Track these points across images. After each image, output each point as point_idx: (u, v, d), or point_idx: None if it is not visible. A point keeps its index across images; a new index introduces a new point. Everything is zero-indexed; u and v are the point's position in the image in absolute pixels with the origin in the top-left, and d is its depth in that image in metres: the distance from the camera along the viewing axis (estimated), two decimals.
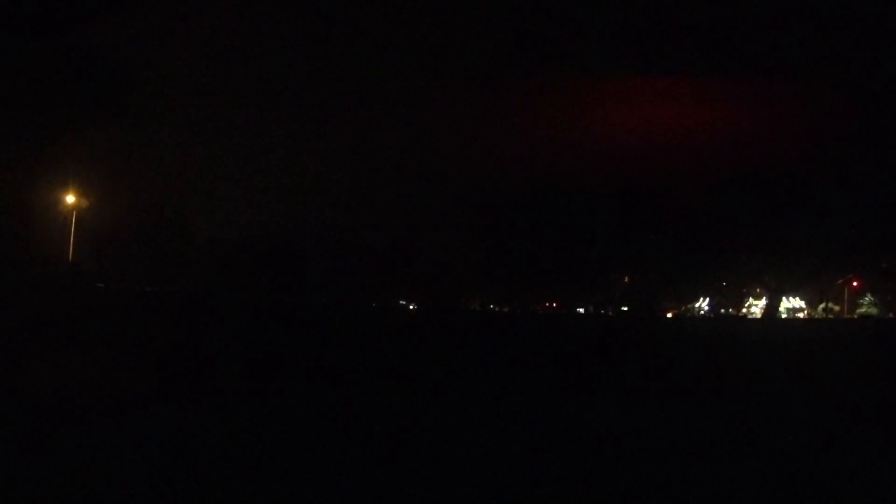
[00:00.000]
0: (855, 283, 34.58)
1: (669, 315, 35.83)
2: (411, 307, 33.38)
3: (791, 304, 35.95)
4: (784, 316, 35.61)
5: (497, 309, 35.77)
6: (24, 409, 8.59)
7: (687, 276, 34.72)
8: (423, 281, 32.55)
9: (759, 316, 35.70)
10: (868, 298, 34.61)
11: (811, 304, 35.83)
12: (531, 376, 13.47)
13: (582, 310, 36.26)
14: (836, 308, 35.35)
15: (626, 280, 36.15)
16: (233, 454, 7.05)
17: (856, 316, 33.98)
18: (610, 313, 35.30)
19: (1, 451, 6.80)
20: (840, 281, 34.68)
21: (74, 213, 28.17)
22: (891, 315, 34.04)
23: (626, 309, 35.51)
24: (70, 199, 27.95)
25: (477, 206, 30.96)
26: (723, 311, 36.30)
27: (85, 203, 28.44)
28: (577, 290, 35.85)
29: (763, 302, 36.24)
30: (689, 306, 36.73)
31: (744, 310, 36.47)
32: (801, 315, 35.78)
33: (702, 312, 36.34)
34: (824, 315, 35.11)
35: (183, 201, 31.92)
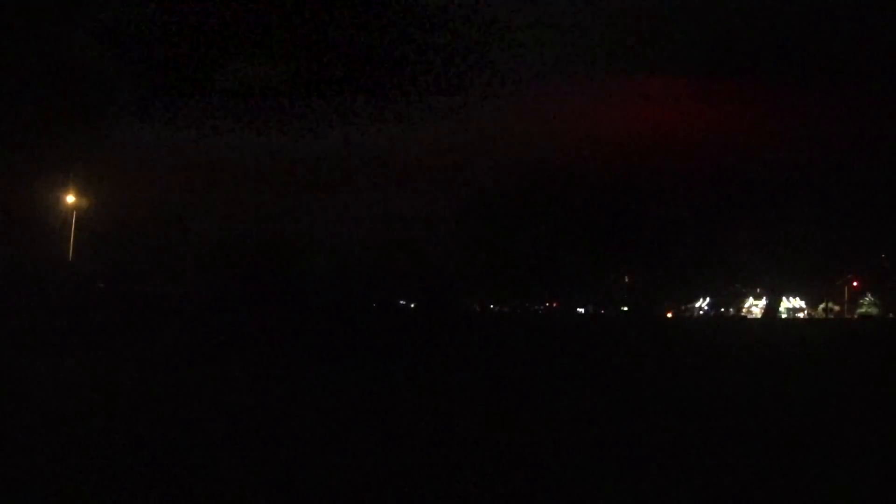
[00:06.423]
0: (855, 283, 34.57)
1: (669, 315, 35.82)
2: (411, 307, 33.39)
3: (791, 304, 35.94)
4: (784, 316, 35.61)
5: (497, 309, 35.74)
6: (24, 409, 8.59)
7: (687, 277, 34.70)
8: (423, 281, 32.52)
9: (759, 316, 35.70)
10: (868, 298, 34.59)
11: (811, 304, 35.82)
12: (531, 376, 13.47)
13: (582, 310, 36.23)
14: (836, 308, 35.34)
15: (626, 280, 36.14)
16: (233, 453, 7.05)
17: (856, 316, 33.97)
18: (610, 313, 35.28)
19: (1, 451, 6.80)
20: (840, 281, 34.69)
21: (74, 213, 28.17)
22: (891, 315, 34.02)
23: (626, 309, 35.49)
24: (70, 199, 27.96)
25: (477, 206, 30.96)
26: (723, 310, 36.30)
27: (85, 203, 28.46)
28: (577, 290, 35.82)
29: (763, 302, 36.24)
30: (689, 306, 36.71)
31: (744, 310, 36.46)
32: (801, 315, 35.77)
33: (701, 312, 36.33)
34: (824, 315, 35.10)
35: (183, 201, 31.90)
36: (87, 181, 28.23)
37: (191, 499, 5.85)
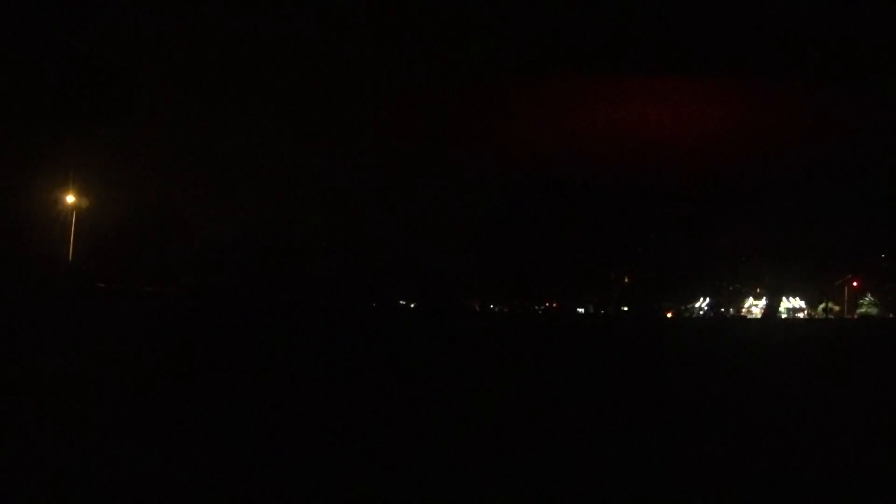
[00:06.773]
0: (855, 283, 34.61)
1: (669, 315, 35.88)
2: (411, 307, 33.43)
3: (791, 304, 35.99)
4: (784, 316, 35.66)
5: (497, 309, 35.80)
6: (25, 409, 8.59)
7: (687, 277, 34.76)
8: (423, 281, 32.57)
9: (759, 316, 35.76)
10: (868, 298, 34.64)
11: (811, 304, 35.87)
12: (531, 376, 13.47)
13: (582, 310, 36.30)
14: (836, 308, 35.39)
15: (626, 280, 36.21)
16: (232, 453, 7.06)
17: (856, 316, 34.02)
18: (610, 313, 35.34)
19: (1, 451, 6.81)
20: (840, 281, 34.73)
21: (74, 213, 28.18)
22: (891, 315, 34.07)
23: (626, 309, 35.55)
24: (70, 199, 27.97)
25: (477, 207, 30.99)
26: (723, 310, 36.37)
27: (85, 203, 28.47)
28: (577, 290, 35.89)
29: (763, 302, 36.30)
30: (689, 306, 36.79)
31: (744, 310, 36.53)
32: (801, 315, 35.82)
33: (701, 312, 36.39)
34: (824, 315, 35.14)
35: (183, 201, 31.93)
36: (87, 181, 28.28)
37: (191, 498, 5.87)
